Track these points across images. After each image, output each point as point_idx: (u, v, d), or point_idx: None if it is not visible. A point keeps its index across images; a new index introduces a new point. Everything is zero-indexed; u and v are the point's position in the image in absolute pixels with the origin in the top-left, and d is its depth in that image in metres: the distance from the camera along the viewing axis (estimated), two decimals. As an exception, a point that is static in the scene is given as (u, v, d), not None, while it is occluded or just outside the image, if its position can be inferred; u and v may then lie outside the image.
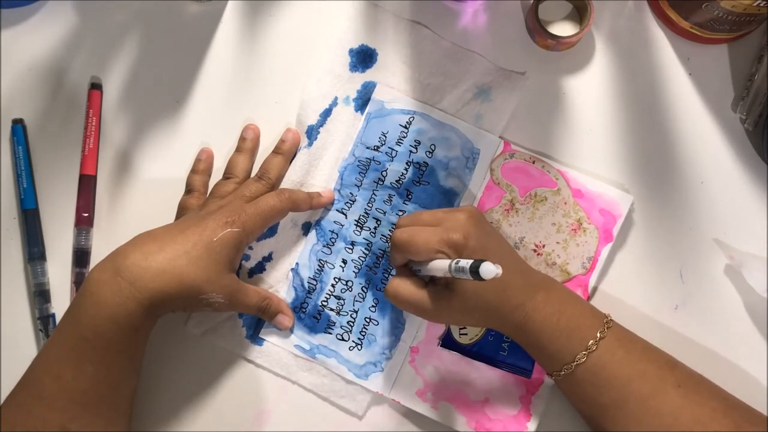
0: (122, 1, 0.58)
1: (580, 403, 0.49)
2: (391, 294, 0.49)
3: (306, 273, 0.55)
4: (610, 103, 0.56)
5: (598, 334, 0.47)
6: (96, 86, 0.57)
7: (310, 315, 0.55)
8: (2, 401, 0.47)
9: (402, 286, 0.49)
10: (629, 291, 0.49)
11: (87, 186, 0.56)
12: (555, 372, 0.48)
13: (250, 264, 0.55)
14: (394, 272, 0.55)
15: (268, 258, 0.55)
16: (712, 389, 0.48)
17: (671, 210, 0.55)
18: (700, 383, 0.48)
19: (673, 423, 0.46)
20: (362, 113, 0.57)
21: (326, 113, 0.56)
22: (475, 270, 0.40)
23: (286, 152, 0.56)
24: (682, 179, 0.56)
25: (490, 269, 0.39)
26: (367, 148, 0.56)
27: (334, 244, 0.55)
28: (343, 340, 0.54)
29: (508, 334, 0.50)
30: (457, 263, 0.42)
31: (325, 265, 0.55)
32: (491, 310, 0.47)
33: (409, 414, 0.54)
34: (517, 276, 0.48)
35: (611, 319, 0.49)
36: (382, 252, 0.55)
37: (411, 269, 0.50)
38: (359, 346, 0.54)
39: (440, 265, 0.45)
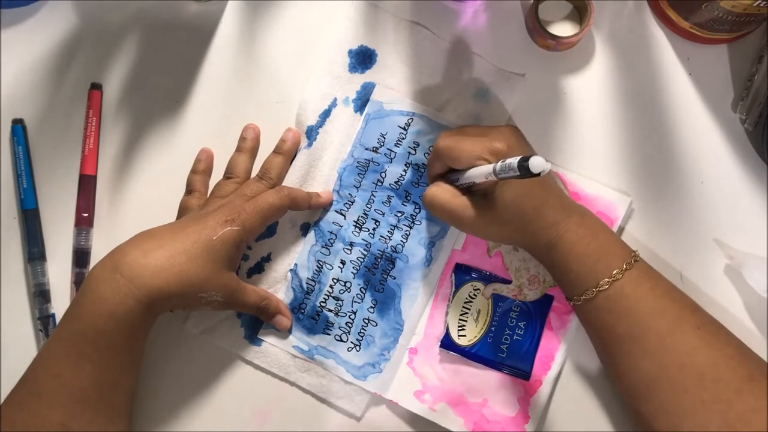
0: (122, 1, 0.58)
1: (596, 331, 0.49)
2: (428, 199, 0.50)
3: (304, 274, 0.55)
4: (610, 104, 0.56)
5: (625, 265, 0.48)
6: (96, 86, 0.57)
7: (309, 316, 0.55)
8: (2, 400, 0.47)
9: (439, 192, 0.50)
10: (629, 291, 0.49)
11: (87, 186, 0.56)
12: (575, 296, 0.48)
13: (248, 264, 0.55)
14: (394, 271, 0.55)
15: (267, 258, 0.55)
16: (729, 336, 0.48)
17: (671, 210, 0.55)
18: (720, 329, 0.48)
19: (688, 363, 0.46)
20: (361, 114, 0.57)
21: (325, 114, 0.56)
22: (523, 165, 0.39)
23: (286, 152, 0.56)
24: (682, 179, 0.55)
25: (539, 162, 0.38)
26: (366, 149, 0.56)
27: (332, 245, 0.55)
28: (341, 341, 0.54)
29: (535, 254, 0.50)
30: (503, 161, 0.42)
31: (324, 266, 0.55)
32: (526, 224, 0.48)
33: (407, 415, 0.54)
34: (555, 196, 0.49)
35: (640, 256, 0.49)
36: (380, 253, 0.55)
37: (448, 179, 0.51)
38: (357, 347, 0.54)
39: (482, 170, 0.45)
